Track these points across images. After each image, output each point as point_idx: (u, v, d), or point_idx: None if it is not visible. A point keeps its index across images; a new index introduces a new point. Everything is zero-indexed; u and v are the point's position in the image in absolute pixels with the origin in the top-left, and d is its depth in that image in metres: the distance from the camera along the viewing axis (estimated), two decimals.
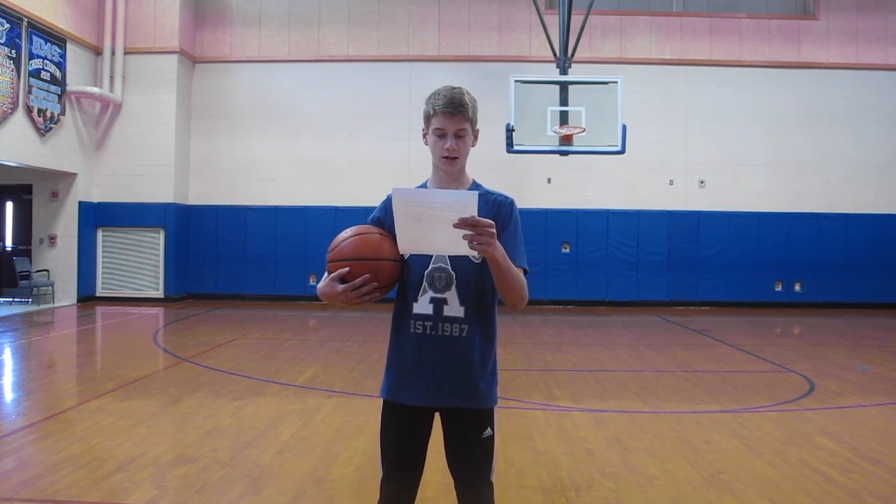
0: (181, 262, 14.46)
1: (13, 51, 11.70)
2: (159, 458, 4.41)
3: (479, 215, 2.02)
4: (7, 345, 9.16)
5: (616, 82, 10.87)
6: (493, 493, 2.30)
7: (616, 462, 4.43)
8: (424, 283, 2.24)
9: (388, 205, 2.31)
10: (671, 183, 14.62)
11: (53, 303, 13.42)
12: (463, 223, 1.98)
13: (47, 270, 13.62)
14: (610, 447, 4.74)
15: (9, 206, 14.65)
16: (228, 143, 14.83)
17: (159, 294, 14.15)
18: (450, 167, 2.27)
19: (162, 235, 14.19)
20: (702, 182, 14.65)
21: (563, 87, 10.93)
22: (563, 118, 10.80)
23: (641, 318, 12.82)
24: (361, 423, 5.23)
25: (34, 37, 12.20)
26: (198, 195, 14.86)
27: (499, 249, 2.07)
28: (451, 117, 2.21)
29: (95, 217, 14.15)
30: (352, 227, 2.26)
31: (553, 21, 12.21)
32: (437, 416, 2.33)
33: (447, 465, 2.32)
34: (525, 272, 2.23)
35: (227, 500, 3.74)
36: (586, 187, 14.49)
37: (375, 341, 9.47)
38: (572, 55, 11.50)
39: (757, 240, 14.52)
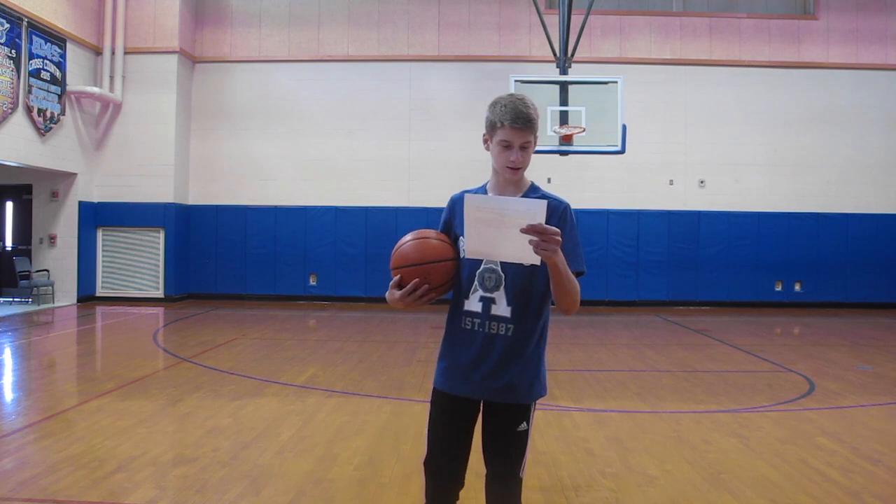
0: (181, 262, 14.46)
1: (13, 51, 11.69)
2: (159, 458, 4.41)
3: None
4: (7, 345, 9.16)
5: (616, 82, 10.86)
6: (520, 489, 2.37)
7: (616, 462, 4.43)
8: (476, 282, 2.35)
9: (451, 206, 2.46)
10: (671, 183, 14.63)
11: (53, 303, 13.42)
12: (531, 229, 2.06)
13: (47, 270, 13.62)
14: (610, 447, 4.74)
15: (9, 206, 14.65)
16: (228, 143, 14.84)
17: (159, 294, 14.16)
18: (513, 176, 2.37)
19: (162, 235, 14.19)
20: (702, 182, 14.66)
21: (563, 86, 10.92)
22: (563, 118, 10.79)
23: (641, 317, 12.82)
24: (361, 423, 5.23)
25: (34, 37, 12.20)
26: (198, 195, 14.86)
27: (560, 256, 2.15)
28: (519, 132, 2.28)
29: (95, 217, 14.15)
30: (409, 233, 2.39)
31: (553, 21, 12.21)
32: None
33: (482, 455, 2.41)
34: (581, 273, 2.31)
35: (227, 500, 3.74)
36: (586, 187, 14.48)
37: (375, 341, 9.47)
38: (572, 55, 11.49)
39: (757, 240, 14.52)
